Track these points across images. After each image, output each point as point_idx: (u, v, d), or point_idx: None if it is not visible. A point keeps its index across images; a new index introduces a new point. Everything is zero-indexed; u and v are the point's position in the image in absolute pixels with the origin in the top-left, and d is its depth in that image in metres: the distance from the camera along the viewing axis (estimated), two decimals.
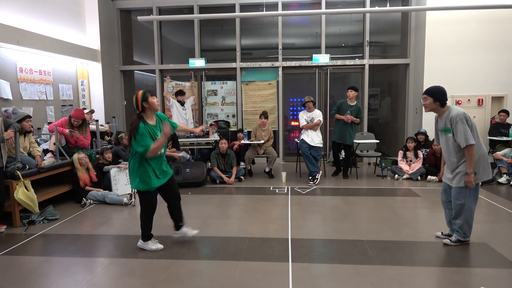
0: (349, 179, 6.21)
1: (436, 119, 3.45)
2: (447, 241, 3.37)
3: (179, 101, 6.82)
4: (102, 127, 6.53)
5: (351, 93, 6.21)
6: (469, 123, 3.15)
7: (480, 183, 5.49)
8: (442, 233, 3.56)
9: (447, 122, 3.23)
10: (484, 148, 3.27)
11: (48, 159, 4.71)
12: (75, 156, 4.91)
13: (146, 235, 3.36)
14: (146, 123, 3.14)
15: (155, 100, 3.15)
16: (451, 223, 3.42)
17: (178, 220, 3.53)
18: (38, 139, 5.48)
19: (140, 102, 3.10)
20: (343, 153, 6.67)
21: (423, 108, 3.39)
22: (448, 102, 3.33)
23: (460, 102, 6.81)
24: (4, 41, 4.98)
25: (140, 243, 3.39)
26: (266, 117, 6.53)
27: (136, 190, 3.49)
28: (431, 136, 6.51)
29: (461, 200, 3.24)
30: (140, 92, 3.13)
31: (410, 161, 6.25)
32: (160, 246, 3.38)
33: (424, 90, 3.35)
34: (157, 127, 3.22)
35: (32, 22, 5.66)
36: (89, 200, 4.85)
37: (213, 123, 7.36)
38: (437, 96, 3.23)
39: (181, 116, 6.83)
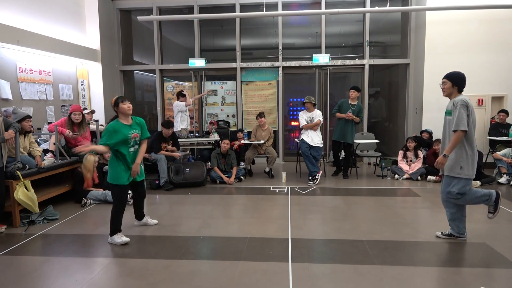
0: (349, 179, 6.21)
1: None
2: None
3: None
4: (102, 127, 6.52)
5: (354, 93, 6.21)
6: (469, 113, 3.18)
7: (480, 183, 5.54)
8: (442, 233, 3.56)
9: (450, 104, 3.30)
10: (475, 146, 3.30)
11: (48, 159, 4.70)
12: (91, 158, 4.87)
13: (114, 229, 3.53)
14: (118, 121, 3.50)
15: (125, 106, 3.49)
16: (452, 221, 3.44)
17: (140, 211, 3.94)
18: (38, 139, 5.48)
19: (112, 106, 3.55)
20: (343, 153, 6.67)
21: (442, 92, 3.40)
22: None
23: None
24: (4, 41, 4.97)
25: (110, 239, 3.53)
26: (263, 116, 6.53)
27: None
28: (436, 136, 6.52)
29: (458, 190, 3.27)
30: (114, 98, 3.56)
31: (410, 161, 6.25)
32: (126, 239, 3.51)
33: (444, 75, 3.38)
34: (131, 127, 3.52)
35: (32, 22, 5.65)
36: (89, 200, 4.85)
37: (212, 121, 7.33)
38: (456, 80, 3.29)
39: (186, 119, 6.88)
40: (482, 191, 3.34)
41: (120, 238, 3.49)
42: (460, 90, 3.31)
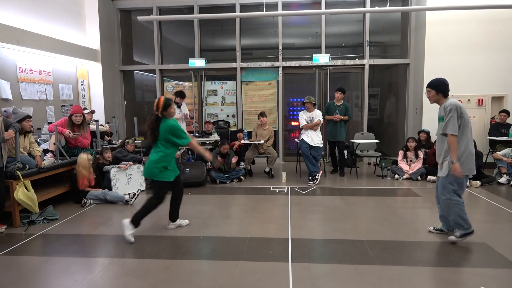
0: (349, 179, 6.21)
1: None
2: (452, 237, 3.38)
3: (176, 103, 6.74)
4: (102, 127, 6.53)
5: (339, 95, 6.46)
6: (461, 114, 3.24)
7: (480, 183, 5.55)
8: (434, 228, 3.66)
9: (442, 110, 3.37)
10: (471, 145, 3.30)
11: (48, 159, 4.70)
12: (85, 156, 4.86)
13: (137, 221, 3.56)
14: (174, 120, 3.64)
15: (173, 110, 3.58)
16: (443, 217, 3.55)
17: (176, 210, 3.91)
18: (38, 139, 5.48)
19: (161, 108, 3.50)
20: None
21: (428, 100, 3.51)
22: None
23: (460, 101, 6.82)
24: (4, 41, 4.97)
25: (126, 222, 3.52)
26: (265, 116, 6.53)
27: (149, 181, 3.90)
28: (434, 136, 6.51)
29: (446, 195, 3.33)
30: (163, 99, 3.52)
31: (411, 161, 6.24)
32: (133, 239, 3.54)
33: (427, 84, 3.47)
34: None
35: (32, 22, 5.65)
36: (89, 200, 4.85)
37: (207, 120, 7.24)
38: (439, 87, 3.39)
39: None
40: (467, 217, 3.31)
41: (131, 231, 3.52)
42: (445, 95, 3.39)
